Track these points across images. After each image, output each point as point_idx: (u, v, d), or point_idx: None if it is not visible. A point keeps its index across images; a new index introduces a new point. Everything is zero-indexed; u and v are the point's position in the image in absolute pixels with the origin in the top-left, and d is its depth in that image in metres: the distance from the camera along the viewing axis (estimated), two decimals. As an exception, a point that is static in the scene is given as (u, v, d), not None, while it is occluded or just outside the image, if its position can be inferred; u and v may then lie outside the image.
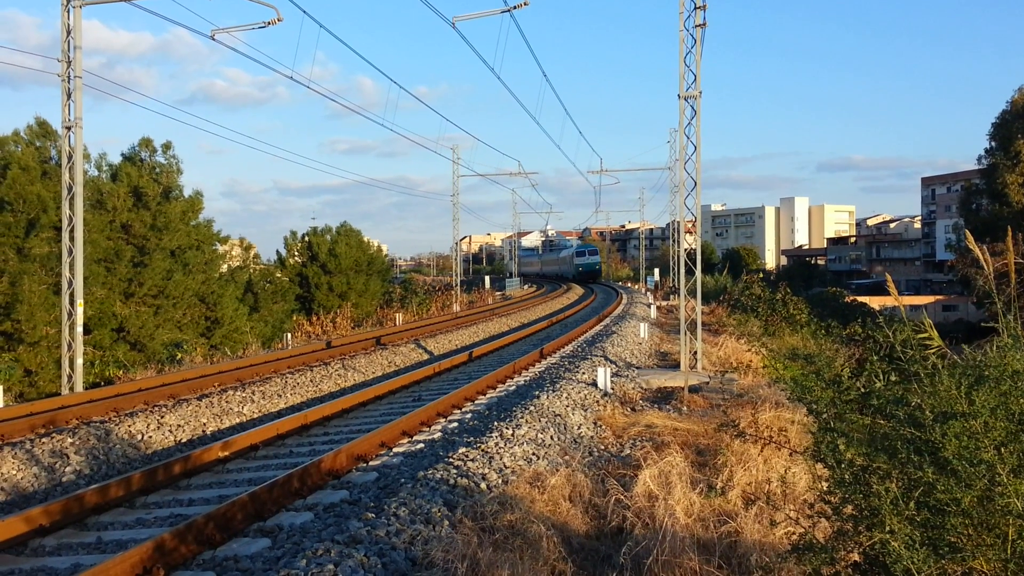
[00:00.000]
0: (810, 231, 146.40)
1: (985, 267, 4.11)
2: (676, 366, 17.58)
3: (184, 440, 11.45)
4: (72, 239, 16.99)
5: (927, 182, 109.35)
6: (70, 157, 17.09)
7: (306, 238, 45.42)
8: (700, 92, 16.87)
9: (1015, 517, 3.13)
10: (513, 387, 14.23)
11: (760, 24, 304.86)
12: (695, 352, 17.33)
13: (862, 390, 3.93)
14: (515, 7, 18.94)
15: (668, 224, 79.15)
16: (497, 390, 14.06)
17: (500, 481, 7.87)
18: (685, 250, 18.38)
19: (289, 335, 25.32)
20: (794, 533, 5.68)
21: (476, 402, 12.87)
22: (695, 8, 16.78)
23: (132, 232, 27.98)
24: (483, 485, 7.66)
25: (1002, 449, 3.22)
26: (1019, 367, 3.36)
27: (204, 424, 12.10)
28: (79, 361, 16.78)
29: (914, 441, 3.39)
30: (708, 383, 15.21)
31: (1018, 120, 58.55)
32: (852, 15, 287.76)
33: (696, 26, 16.80)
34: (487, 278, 73.24)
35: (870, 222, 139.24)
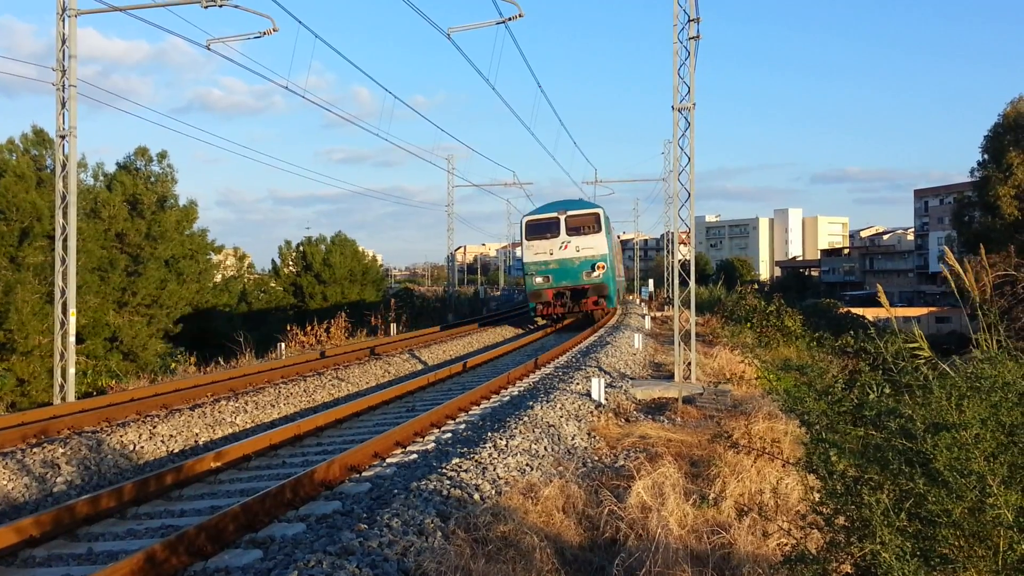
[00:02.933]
0: (804, 242, 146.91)
1: (975, 283, 4.15)
2: (670, 377, 17.58)
3: (176, 450, 11.39)
4: (65, 248, 16.94)
5: (920, 194, 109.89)
6: (64, 166, 17.07)
7: (300, 248, 45.39)
8: (694, 104, 16.95)
9: (1005, 528, 3.14)
10: (507, 397, 14.21)
11: (755, 36, 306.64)
12: (689, 363, 17.34)
13: (855, 402, 3.95)
14: (510, 18, 19.02)
15: (663, 235, 78.78)
16: (491, 400, 14.04)
17: (493, 492, 7.85)
18: (679, 261, 18.41)
19: (283, 345, 25.26)
20: (787, 544, 5.68)
21: (470, 412, 12.85)
22: (689, 21, 16.87)
23: (126, 241, 27.96)
24: (476, 496, 7.64)
25: (992, 460, 3.23)
26: (1010, 378, 3.38)
27: (196, 434, 12.05)
28: (71, 371, 16.70)
29: (905, 452, 3.40)
30: (702, 394, 15.22)
31: (1010, 133, 58.95)
32: (846, 27, 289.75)
33: (690, 38, 16.89)
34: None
35: (863, 234, 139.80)
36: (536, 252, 29.05)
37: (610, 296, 29.59)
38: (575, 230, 28.98)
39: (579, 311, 29.72)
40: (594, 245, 28.75)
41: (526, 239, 29.49)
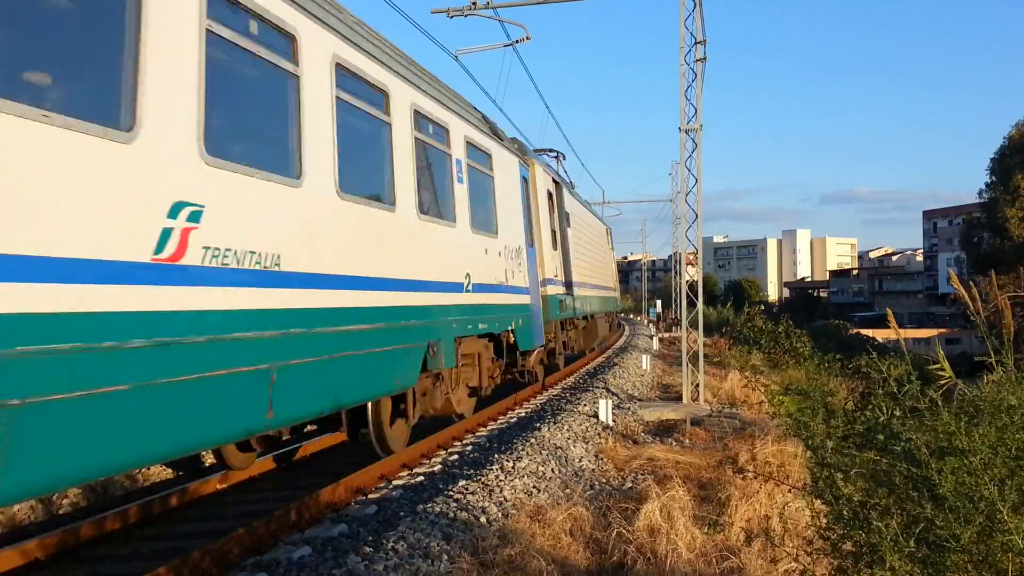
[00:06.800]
0: (812, 263, 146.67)
1: (984, 306, 4.11)
2: (678, 398, 17.50)
3: (182, 472, 11.37)
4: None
5: (929, 215, 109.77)
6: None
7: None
8: (701, 125, 16.99)
9: (1016, 554, 3.09)
10: (514, 419, 14.16)
11: (763, 56, 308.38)
12: (697, 385, 17.26)
13: (866, 425, 3.90)
14: (517, 41, 19.17)
15: (670, 256, 78.72)
16: (498, 422, 13.99)
17: (500, 515, 7.80)
18: (687, 282, 18.39)
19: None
20: (795, 570, 5.62)
21: (477, 434, 12.80)
22: (695, 43, 16.97)
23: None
24: (483, 519, 7.59)
25: (1002, 486, 3.18)
26: (1015, 402, 3.34)
27: (203, 455, 12.01)
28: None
29: (912, 477, 3.36)
30: (710, 416, 15.13)
31: (1016, 155, 58.92)
32: (854, 47, 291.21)
33: (696, 60, 16.98)
34: None
35: (872, 255, 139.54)
36: None
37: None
38: None
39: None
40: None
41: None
